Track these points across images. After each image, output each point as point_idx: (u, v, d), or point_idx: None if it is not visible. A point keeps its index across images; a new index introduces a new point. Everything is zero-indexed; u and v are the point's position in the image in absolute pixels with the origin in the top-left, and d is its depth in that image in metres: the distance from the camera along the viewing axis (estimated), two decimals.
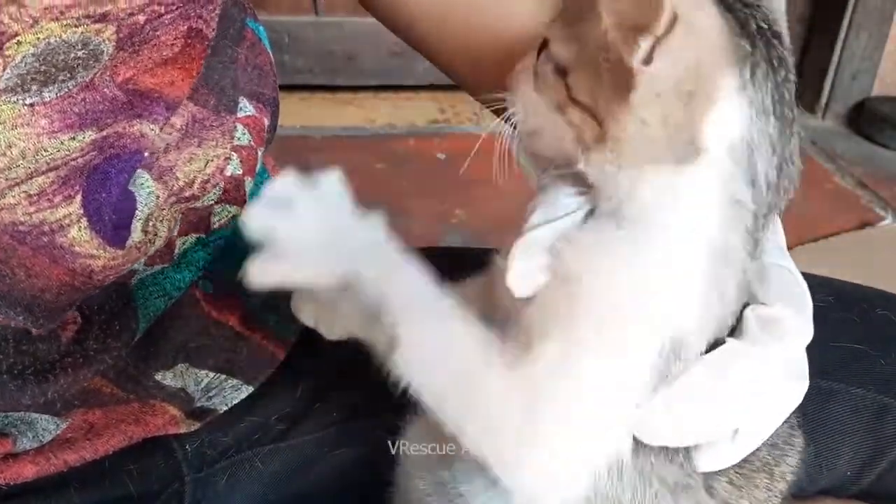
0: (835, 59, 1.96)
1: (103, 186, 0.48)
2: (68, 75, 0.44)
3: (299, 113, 1.81)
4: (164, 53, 0.48)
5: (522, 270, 0.39)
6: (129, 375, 0.56)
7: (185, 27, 0.49)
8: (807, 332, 0.42)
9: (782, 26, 0.41)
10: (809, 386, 0.41)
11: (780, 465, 0.45)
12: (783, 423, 0.44)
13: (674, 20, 0.35)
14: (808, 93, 2.03)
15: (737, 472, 0.44)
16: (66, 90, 0.45)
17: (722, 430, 0.41)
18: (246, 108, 0.55)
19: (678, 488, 0.42)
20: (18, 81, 0.43)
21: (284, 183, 0.40)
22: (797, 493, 0.51)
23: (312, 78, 1.88)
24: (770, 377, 0.40)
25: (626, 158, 0.38)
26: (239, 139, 0.55)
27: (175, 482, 0.57)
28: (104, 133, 0.47)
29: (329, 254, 0.39)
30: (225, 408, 0.59)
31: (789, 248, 0.46)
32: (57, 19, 0.43)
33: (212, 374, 0.58)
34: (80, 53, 0.44)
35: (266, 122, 0.58)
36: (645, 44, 0.35)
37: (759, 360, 0.40)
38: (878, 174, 1.78)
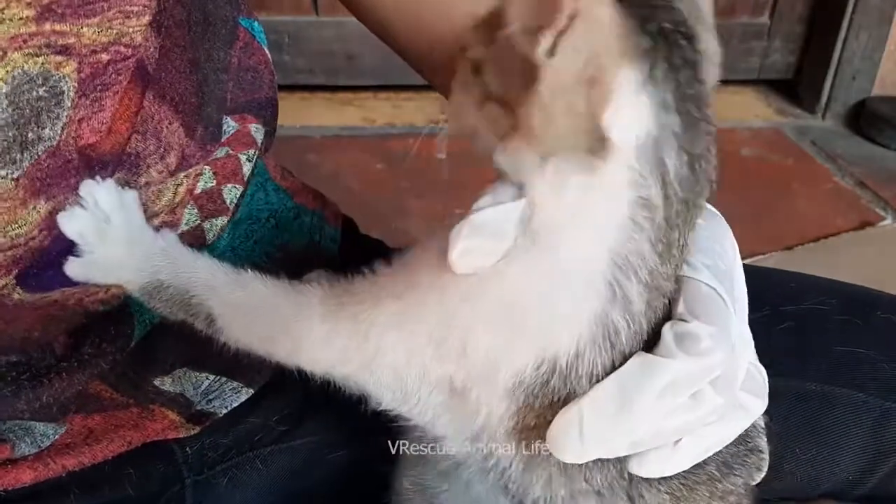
0: (835, 59, 1.96)
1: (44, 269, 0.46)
2: (36, 133, 0.43)
3: (299, 113, 1.80)
4: (120, 101, 0.46)
5: (466, 249, 0.38)
6: (129, 380, 0.55)
7: (134, 64, 0.47)
8: (725, 351, 0.41)
9: (702, 27, 0.40)
10: (812, 391, 0.41)
11: (723, 483, 0.45)
12: (742, 445, 0.44)
13: (574, 15, 0.35)
14: (808, 93, 2.03)
15: (681, 483, 0.43)
16: (36, 156, 0.44)
17: (645, 441, 0.40)
18: (230, 128, 0.55)
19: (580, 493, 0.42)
20: (5, 145, 0.42)
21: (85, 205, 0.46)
22: (800, 497, 0.51)
23: (312, 78, 1.87)
24: (689, 390, 0.40)
25: (537, 147, 0.38)
26: (216, 155, 0.54)
27: (175, 485, 0.57)
28: (52, 205, 0.45)
29: (131, 262, 0.47)
30: (225, 410, 0.59)
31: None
32: (20, 48, 0.42)
33: (212, 377, 0.58)
34: (41, 92, 0.43)
35: (251, 126, 0.57)
36: (547, 38, 0.36)
37: (671, 372, 0.39)
38: (878, 174, 1.77)
